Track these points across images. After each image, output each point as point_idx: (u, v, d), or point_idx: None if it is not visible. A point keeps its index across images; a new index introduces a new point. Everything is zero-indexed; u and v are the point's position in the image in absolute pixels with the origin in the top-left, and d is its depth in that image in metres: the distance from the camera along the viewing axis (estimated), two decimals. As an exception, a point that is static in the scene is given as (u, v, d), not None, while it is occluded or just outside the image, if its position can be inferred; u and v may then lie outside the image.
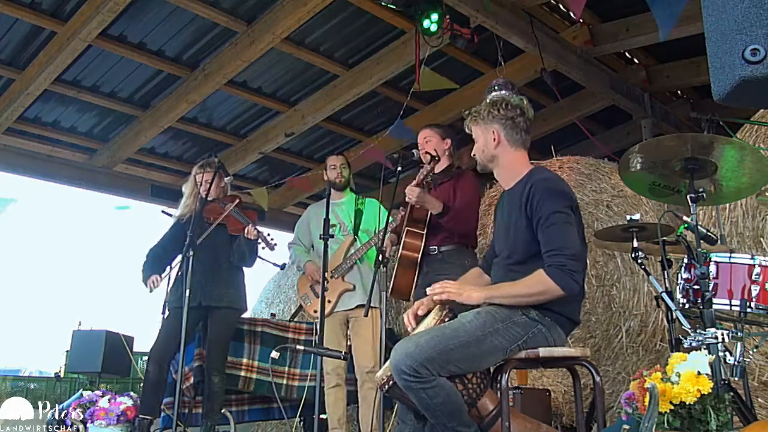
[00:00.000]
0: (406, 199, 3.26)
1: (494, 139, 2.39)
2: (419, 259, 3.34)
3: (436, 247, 3.34)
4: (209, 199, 3.87)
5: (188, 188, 4.05)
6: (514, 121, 2.38)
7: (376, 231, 4.02)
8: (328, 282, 3.87)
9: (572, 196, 2.29)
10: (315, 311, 4.03)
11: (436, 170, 3.48)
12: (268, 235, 3.80)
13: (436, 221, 3.34)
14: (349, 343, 4.00)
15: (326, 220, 3.36)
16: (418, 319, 2.38)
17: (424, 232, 3.36)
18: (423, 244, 3.34)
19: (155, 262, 3.92)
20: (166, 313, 3.75)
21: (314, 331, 4.42)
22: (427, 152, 3.43)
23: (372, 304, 3.36)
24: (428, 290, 2.32)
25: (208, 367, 3.77)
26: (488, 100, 2.46)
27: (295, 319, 5.52)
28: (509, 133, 2.39)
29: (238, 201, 3.89)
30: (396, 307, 5.96)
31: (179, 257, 3.69)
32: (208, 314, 3.82)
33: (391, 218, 3.40)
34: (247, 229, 3.75)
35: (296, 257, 4.17)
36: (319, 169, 7.17)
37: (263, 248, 3.81)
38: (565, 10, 5.30)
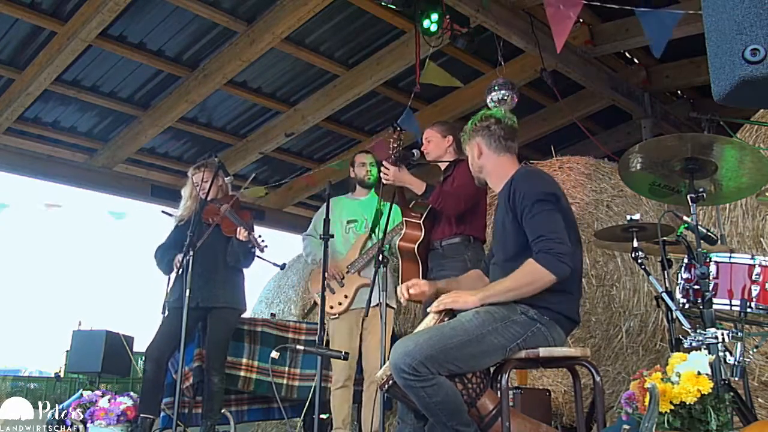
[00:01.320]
0: (383, 179, 3.24)
1: (477, 150, 2.53)
2: (417, 250, 3.30)
3: (438, 242, 3.31)
4: (209, 199, 3.86)
5: (187, 190, 4.04)
6: (490, 129, 2.51)
7: (379, 230, 4.00)
8: (343, 278, 3.87)
9: (554, 186, 2.33)
10: (331, 307, 3.97)
11: (442, 167, 3.47)
12: (260, 236, 3.76)
13: (438, 214, 3.29)
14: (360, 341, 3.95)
15: (326, 220, 3.35)
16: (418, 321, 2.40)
17: (421, 220, 3.33)
18: (423, 233, 3.30)
19: (165, 258, 3.90)
20: (166, 313, 3.74)
21: (326, 331, 4.36)
22: (394, 127, 3.39)
23: (388, 303, 3.35)
24: (430, 309, 2.34)
25: (207, 367, 3.76)
26: (471, 120, 2.60)
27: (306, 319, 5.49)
28: (488, 141, 2.51)
29: (233, 201, 3.87)
30: (396, 306, 5.95)
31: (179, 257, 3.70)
32: (207, 315, 3.82)
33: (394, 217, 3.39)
34: (238, 230, 3.74)
35: (311, 249, 4.12)
36: (319, 168, 7.19)
37: (252, 249, 3.77)
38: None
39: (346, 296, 3.84)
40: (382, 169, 3.22)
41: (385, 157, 3.55)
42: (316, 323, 4.28)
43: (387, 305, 3.64)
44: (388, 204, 4.00)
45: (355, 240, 3.99)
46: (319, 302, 4.08)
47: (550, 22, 3.50)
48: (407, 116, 5.00)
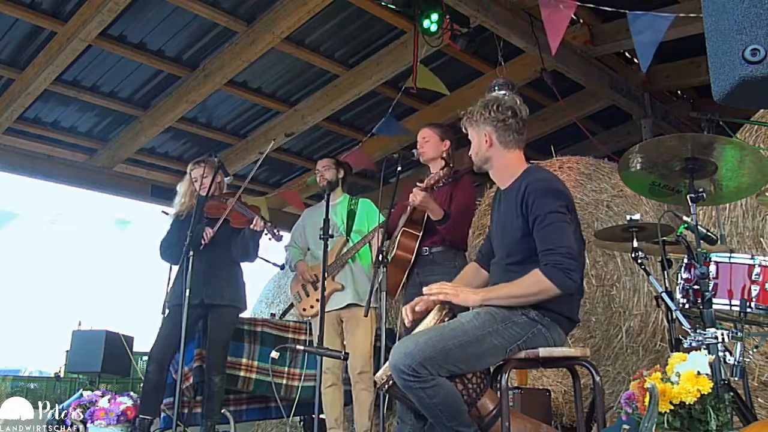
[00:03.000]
0: (410, 200, 3.22)
1: (486, 141, 2.40)
2: (411, 261, 3.35)
3: (427, 249, 3.36)
4: (208, 196, 3.85)
5: (183, 186, 4.01)
6: (506, 123, 2.36)
7: (369, 230, 4.01)
8: (318, 282, 3.87)
9: (568, 195, 2.29)
10: (304, 309, 4.02)
11: (432, 170, 3.48)
12: (275, 226, 3.78)
13: (432, 224, 3.33)
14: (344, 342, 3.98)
15: (326, 220, 3.36)
16: (417, 319, 2.39)
17: (420, 234, 3.36)
18: (417, 246, 3.35)
19: (170, 249, 3.87)
20: (166, 312, 3.74)
21: (308, 331, 4.41)
22: (442, 158, 3.42)
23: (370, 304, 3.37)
24: (425, 290, 2.32)
25: (208, 367, 3.76)
26: (481, 101, 2.45)
27: (285, 318, 5.52)
28: (501, 135, 2.38)
29: (238, 195, 3.88)
30: (396, 307, 5.95)
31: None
32: (208, 312, 3.81)
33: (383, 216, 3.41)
34: (254, 221, 3.72)
35: (291, 258, 4.17)
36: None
37: (270, 239, 3.77)
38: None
39: (317, 300, 3.85)
40: (414, 191, 3.20)
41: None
42: (308, 321, 4.31)
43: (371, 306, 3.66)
44: (366, 204, 4.05)
45: (329, 247, 3.98)
46: (296, 304, 4.12)
47: (545, 24, 3.51)
48: (387, 122, 5.07)
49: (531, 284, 2.15)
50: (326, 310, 3.86)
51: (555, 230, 2.16)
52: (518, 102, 2.43)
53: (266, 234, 3.75)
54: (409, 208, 3.38)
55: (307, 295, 4.02)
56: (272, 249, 3.91)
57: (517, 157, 2.42)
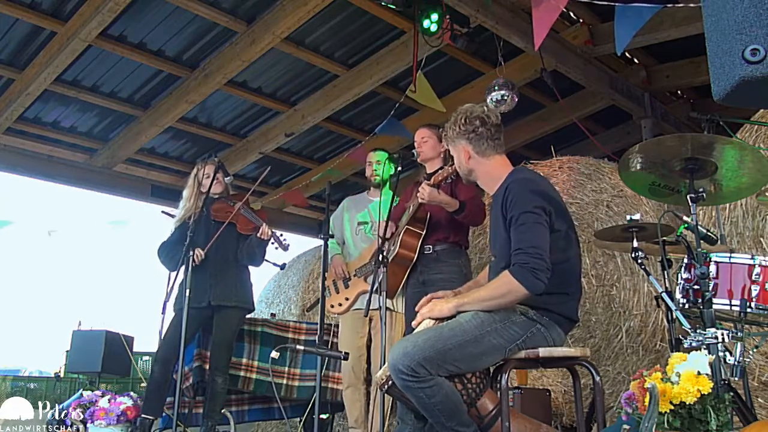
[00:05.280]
0: (418, 197, 3.20)
1: (464, 155, 2.44)
2: (414, 260, 3.34)
3: (430, 246, 3.34)
4: (215, 196, 3.85)
5: (188, 189, 4.01)
6: (477, 133, 2.40)
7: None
8: (349, 280, 3.85)
9: (547, 196, 2.27)
10: (332, 306, 3.97)
11: (429, 170, 3.48)
12: (281, 235, 3.78)
13: (436, 220, 3.32)
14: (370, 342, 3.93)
15: (326, 220, 3.36)
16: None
17: (423, 232, 3.35)
18: (419, 244, 3.34)
19: (170, 254, 3.85)
20: (174, 313, 3.73)
21: (331, 332, 4.30)
22: (441, 158, 3.40)
23: (393, 308, 3.36)
24: (412, 324, 2.33)
25: (211, 367, 3.75)
26: (452, 117, 2.49)
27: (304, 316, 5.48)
28: (476, 146, 2.42)
29: (245, 199, 3.88)
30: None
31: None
32: (213, 314, 3.80)
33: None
34: (261, 230, 3.74)
35: (328, 249, 4.12)
36: (319, 170, 7.19)
37: (276, 248, 3.78)
38: (565, 9, 5.29)
39: (347, 298, 3.83)
40: (423, 187, 3.15)
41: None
42: (316, 323, 4.28)
43: (390, 309, 3.64)
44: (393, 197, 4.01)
45: (365, 243, 3.92)
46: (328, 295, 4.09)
47: (533, 17, 3.49)
48: (389, 123, 5.06)
49: (498, 286, 2.15)
50: (354, 308, 3.83)
51: (526, 230, 2.16)
52: (486, 109, 2.45)
53: (273, 243, 3.75)
54: (411, 207, 3.37)
55: (337, 292, 3.93)
56: (272, 248, 3.90)
57: (498, 162, 2.44)
